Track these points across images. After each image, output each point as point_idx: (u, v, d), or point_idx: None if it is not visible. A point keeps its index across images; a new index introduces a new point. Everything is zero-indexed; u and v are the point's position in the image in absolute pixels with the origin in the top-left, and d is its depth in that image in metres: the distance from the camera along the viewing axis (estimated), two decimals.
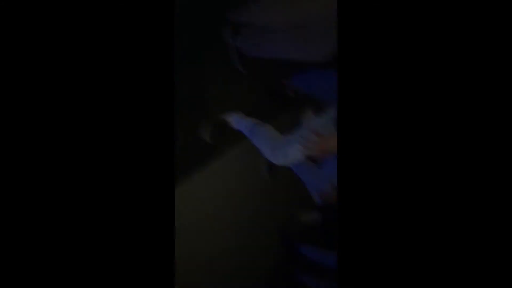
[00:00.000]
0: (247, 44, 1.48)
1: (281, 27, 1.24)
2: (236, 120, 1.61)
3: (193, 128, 1.65)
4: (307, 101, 1.79)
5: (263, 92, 1.82)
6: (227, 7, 1.44)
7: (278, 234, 1.98)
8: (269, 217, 1.93)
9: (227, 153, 1.78)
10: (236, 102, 1.72)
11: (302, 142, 1.12)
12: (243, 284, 1.84)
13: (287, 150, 1.24)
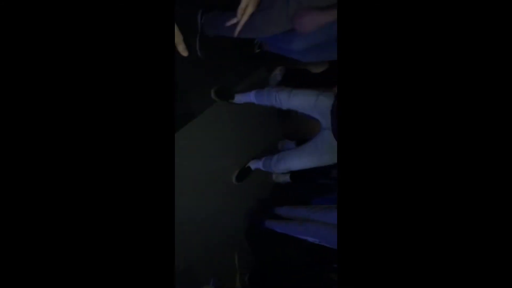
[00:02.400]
0: (209, 25, 1.47)
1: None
2: (241, 97, 1.77)
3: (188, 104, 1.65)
4: (272, 57, 1.85)
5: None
6: None
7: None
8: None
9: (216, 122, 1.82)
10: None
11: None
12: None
13: (291, 92, 1.50)
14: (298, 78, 2.06)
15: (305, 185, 2.18)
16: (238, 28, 1.05)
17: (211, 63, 1.72)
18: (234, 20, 1.04)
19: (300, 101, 1.50)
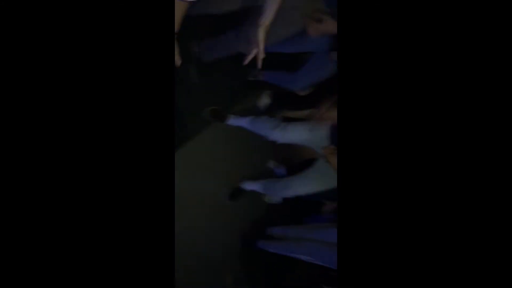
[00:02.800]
0: (206, 51, 1.61)
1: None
2: (235, 120, 1.87)
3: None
4: (264, 85, 1.96)
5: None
6: None
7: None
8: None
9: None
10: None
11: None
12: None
13: (285, 127, 1.57)
14: (285, 101, 2.17)
15: (297, 204, 2.20)
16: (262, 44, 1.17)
17: (207, 88, 1.81)
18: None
19: (294, 136, 1.61)
